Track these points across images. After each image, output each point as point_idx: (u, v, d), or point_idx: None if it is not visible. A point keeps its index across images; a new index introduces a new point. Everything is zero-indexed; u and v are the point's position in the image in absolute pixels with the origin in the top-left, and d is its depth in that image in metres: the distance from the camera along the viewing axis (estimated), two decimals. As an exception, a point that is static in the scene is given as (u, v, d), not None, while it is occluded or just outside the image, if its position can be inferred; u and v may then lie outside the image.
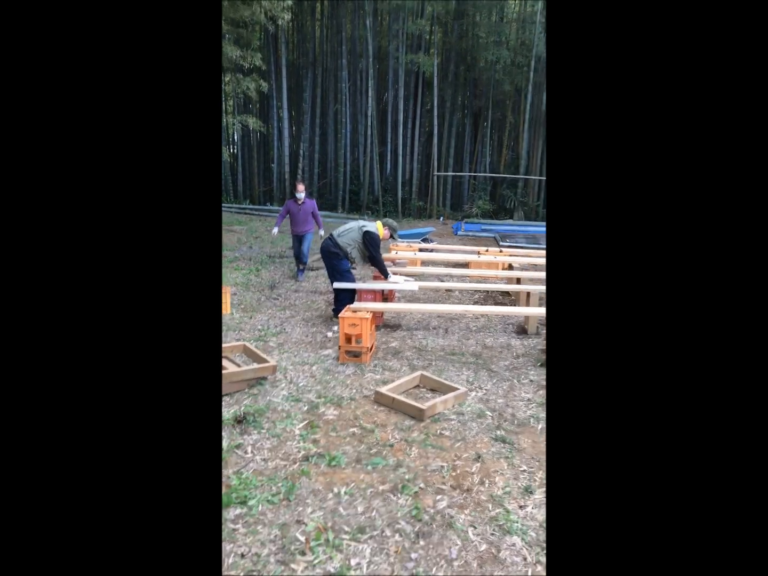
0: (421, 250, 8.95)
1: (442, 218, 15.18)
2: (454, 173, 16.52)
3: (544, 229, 13.57)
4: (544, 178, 16.39)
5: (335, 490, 2.37)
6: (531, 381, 3.79)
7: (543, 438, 2.93)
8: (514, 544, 2.05)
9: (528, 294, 5.20)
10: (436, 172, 15.61)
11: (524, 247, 10.87)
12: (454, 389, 3.40)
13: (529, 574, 1.90)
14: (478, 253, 8.04)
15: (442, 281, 7.18)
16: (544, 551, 2.00)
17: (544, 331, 4.12)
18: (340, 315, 4.09)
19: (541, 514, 2.23)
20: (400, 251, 7.72)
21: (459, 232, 12.66)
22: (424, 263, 8.17)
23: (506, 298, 6.43)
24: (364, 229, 5.02)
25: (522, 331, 5.06)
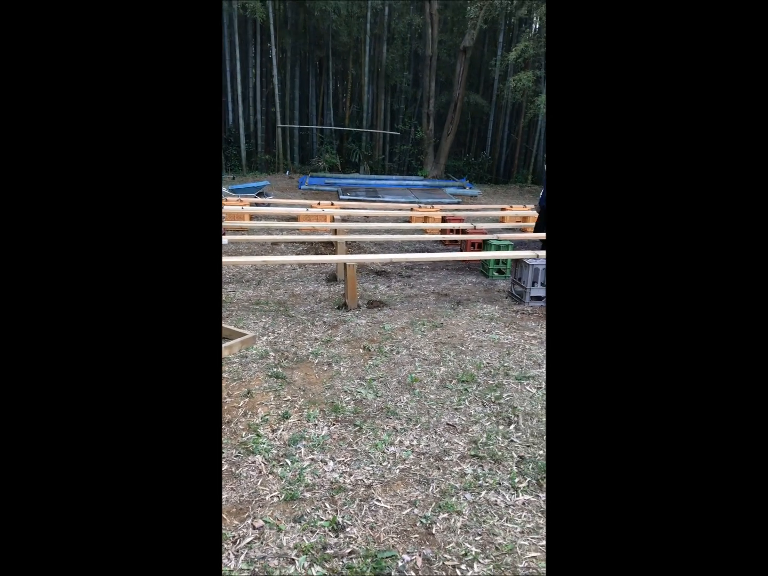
0: (257, 204, 8.90)
1: (288, 172, 15.04)
2: (299, 126, 16.33)
3: (385, 182, 14.10)
4: (389, 131, 16.86)
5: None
6: (324, 322, 4.10)
7: (315, 370, 3.24)
8: (254, 462, 2.31)
9: (336, 243, 5.49)
10: (279, 125, 15.31)
11: (363, 200, 11.25)
12: (242, 335, 3.58)
13: None
14: (309, 206, 8.20)
15: (271, 234, 7.26)
16: (281, 464, 2.30)
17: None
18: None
19: (288, 434, 2.52)
20: (228, 206, 7.62)
21: (303, 186, 12.69)
22: (255, 217, 8.16)
23: (328, 248, 6.71)
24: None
25: (332, 278, 5.37)
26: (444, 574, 1.73)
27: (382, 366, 3.34)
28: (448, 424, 2.68)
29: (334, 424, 2.64)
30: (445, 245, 7.15)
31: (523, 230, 7.80)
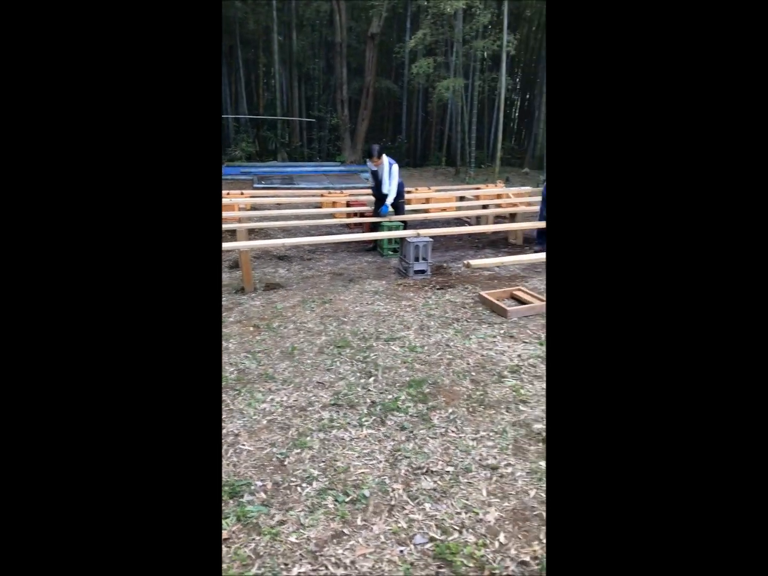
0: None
1: (203, 163, 14.89)
2: (213, 116, 16.14)
3: (301, 169, 14.30)
4: (305, 119, 16.99)
5: None
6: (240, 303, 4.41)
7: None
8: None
9: (235, 231, 5.78)
10: (191, 115, 15.11)
11: (277, 187, 11.45)
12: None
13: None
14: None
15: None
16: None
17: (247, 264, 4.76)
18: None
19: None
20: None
21: (218, 177, 12.66)
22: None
23: (233, 237, 6.95)
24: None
25: (235, 265, 5.65)
26: (288, 491, 2.14)
27: (269, 340, 3.71)
28: (318, 382, 3.09)
29: (216, 391, 2.99)
30: (350, 228, 7.55)
31: (426, 211, 8.34)
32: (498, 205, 8.04)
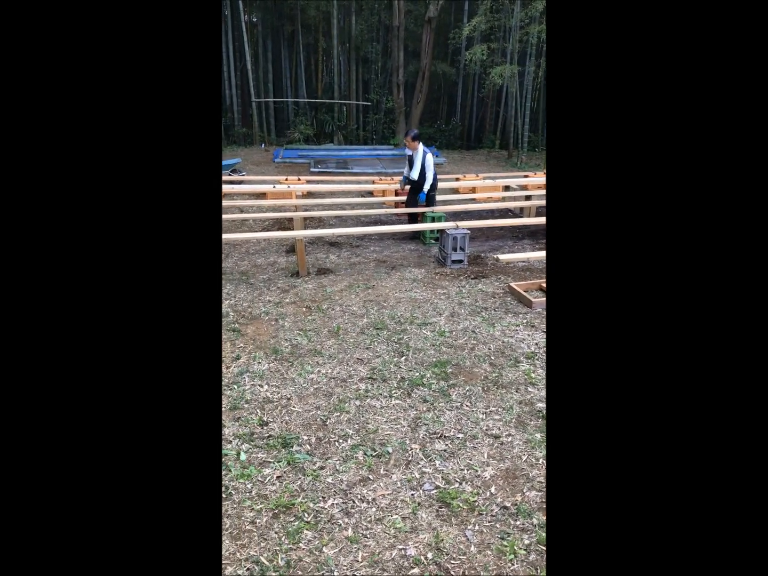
0: (231, 182, 9.65)
1: (263, 145, 15.65)
2: (273, 99, 16.83)
3: (355, 152, 14.76)
4: (361, 102, 17.40)
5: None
6: (278, 288, 5.01)
7: (265, 325, 4.15)
8: (211, 387, 3.25)
9: (292, 219, 6.35)
10: (253, 99, 15.84)
11: (332, 172, 12.00)
12: (208, 300, 4.47)
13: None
14: (276, 183, 8.98)
15: (242, 212, 8.07)
16: (229, 389, 3.23)
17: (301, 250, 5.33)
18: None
19: (237, 369, 3.45)
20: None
21: (277, 160, 13.34)
22: (227, 195, 8.94)
23: (290, 223, 7.54)
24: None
25: (292, 250, 6.24)
26: (328, 445, 2.69)
27: (318, 320, 4.27)
28: (358, 358, 3.62)
29: (273, 362, 3.57)
30: (398, 217, 8.00)
31: (473, 200, 8.67)
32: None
